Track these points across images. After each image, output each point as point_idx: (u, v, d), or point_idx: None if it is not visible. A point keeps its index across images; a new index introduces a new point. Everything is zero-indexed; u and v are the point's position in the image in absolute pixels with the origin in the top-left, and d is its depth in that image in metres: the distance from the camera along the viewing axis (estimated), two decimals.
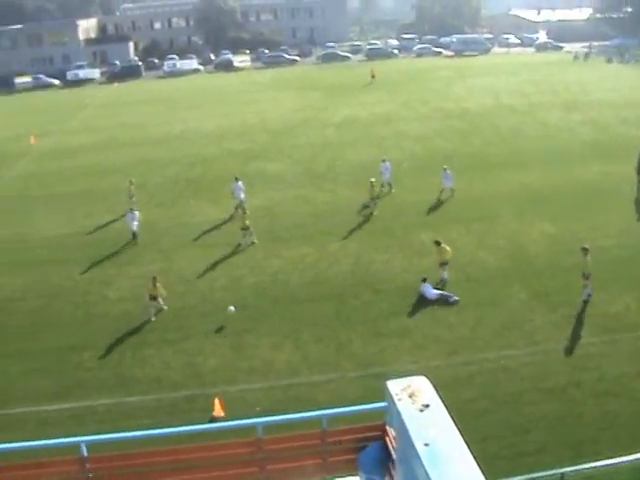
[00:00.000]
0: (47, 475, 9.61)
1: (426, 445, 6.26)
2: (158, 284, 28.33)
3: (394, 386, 7.34)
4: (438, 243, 30.07)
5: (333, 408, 8.53)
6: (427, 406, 6.90)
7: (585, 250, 27.62)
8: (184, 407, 22.33)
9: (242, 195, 39.67)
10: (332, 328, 26.59)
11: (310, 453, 9.32)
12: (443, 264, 29.75)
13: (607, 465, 16.17)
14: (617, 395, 21.72)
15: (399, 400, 7.06)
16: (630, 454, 16.57)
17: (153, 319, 27.93)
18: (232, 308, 27.39)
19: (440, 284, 29.34)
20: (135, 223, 36.24)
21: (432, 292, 28.37)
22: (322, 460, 9.18)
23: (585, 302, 27.52)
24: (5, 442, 18.92)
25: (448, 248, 29.89)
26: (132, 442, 9.00)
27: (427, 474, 5.90)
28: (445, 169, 40.59)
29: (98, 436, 9.39)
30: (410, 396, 7.09)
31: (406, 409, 6.89)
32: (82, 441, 9.22)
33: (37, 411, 22.67)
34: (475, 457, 5.92)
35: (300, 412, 8.72)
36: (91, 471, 9.28)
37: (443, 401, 6.78)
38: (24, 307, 30.54)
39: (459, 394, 22.03)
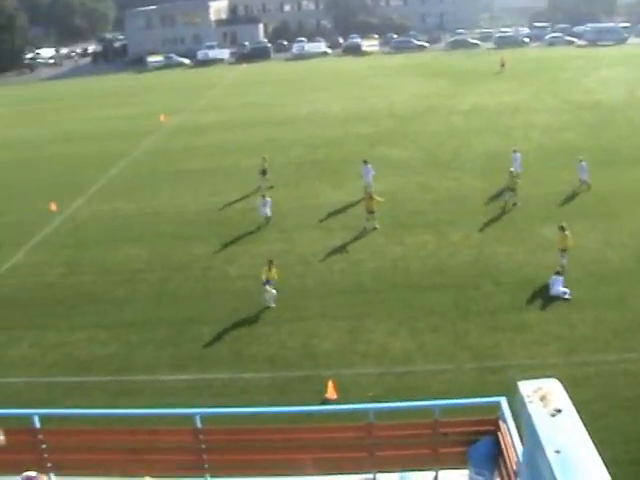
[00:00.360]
0: (162, 443, 9.89)
1: (557, 452, 6.07)
2: (274, 268, 28.28)
3: (525, 387, 7.19)
4: (563, 229, 29.58)
5: (446, 399, 8.46)
6: (559, 411, 6.72)
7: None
8: (297, 387, 22.55)
9: (369, 179, 39.67)
10: (450, 318, 26.34)
11: (420, 443, 9.28)
12: (563, 251, 29.31)
13: None
14: None
15: (530, 402, 6.91)
16: None
17: (273, 305, 27.96)
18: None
19: (560, 270, 28.62)
20: (267, 210, 36.57)
21: (559, 289, 27.67)
22: (432, 451, 9.13)
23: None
24: (123, 407, 19.64)
25: (570, 235, 29.34)
26: (244, 417, 9.13)
27: None
28: (580, 160, 39.51)
29: (213, 409, 9.56)
30: (541, 399, 6.92)
31: (537, 412, 6.74)
32: (197, 413, 9.44)
33: (155, 380, 23.40)
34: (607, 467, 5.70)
35: (412, 401, 8.67)
36: (205, 442, 9.50)
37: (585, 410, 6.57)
38: (149, 279, 31.53)
39: (574, 395, 21.26)
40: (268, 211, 36.49)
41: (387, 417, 8.97)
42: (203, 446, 9.50)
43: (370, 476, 9.32)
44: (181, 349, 25.40)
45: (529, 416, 6.69)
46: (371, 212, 34.77)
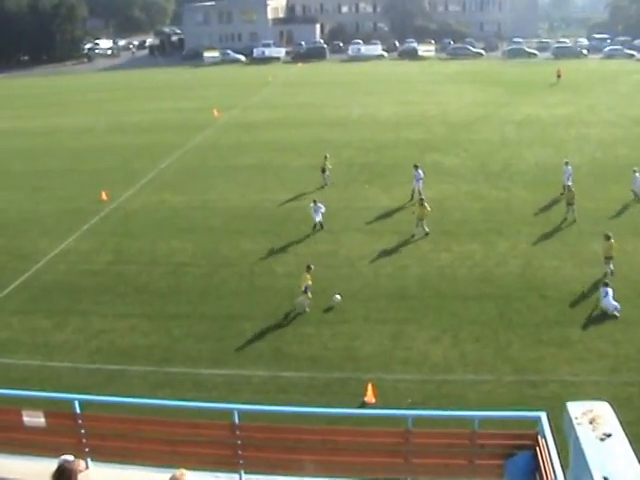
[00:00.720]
0: (199, 436, 9.96)
1: (605, 479, 5.96)
2: (308, 275, 27.88)
3: (574, 409, 7.07)
4: (608, 237, 29.68)
5: (484, 410, 8.42)
6: (609, 435, 6.59)
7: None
8: (337, 389, 22.58)
9: (420, 183, 39.59)
10: (493, 329, 26.16)
11: (457, 452, 9.25)
12: (608, 258, 29.48)
13: None
14: None
15: (579, 425, 6.79)
16: None
17: (308, 310, 27.86)
18: (338, 297, 27.47)
19: (607, 278, 28.59)
20: (318, 216, 35.89)
21: (610, 302, 27.30)
22: (468, 461, 9.09)
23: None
24: (162, 398, 19.79)
25: (615, 244, 29.53)
26: (282, 416, 9.17)
27: None
28: (635, 171, 39.04)
29: (251, 406, 9.61)
30: (591, 422, 6.80)
31: (586, 436, 6.62)
32: (235, 409, 9.50)
33: (195, 373, 23.58)
34: None
35: (450, 409, 8.65)
36: (241, 438, 9.55)
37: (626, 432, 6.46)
38: (194, 272, 31.76)
39: (616, 414, 21.20)
40: (318, 217, 35.96)
41: (425, 424, 8.93)
42: (239, 442, 9.56)
43: None
44: (222, 344, 25.56)
45: (577, 439, 6.57)
46: (421, 219, 34.62)
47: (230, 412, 9.50)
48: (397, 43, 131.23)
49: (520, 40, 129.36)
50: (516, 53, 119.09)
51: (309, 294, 27.74)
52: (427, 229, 34.77)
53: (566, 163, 41.36)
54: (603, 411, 6.95)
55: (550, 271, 30.66)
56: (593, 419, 6.74)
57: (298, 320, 27.01)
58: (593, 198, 40.42)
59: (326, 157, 44.20)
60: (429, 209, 34.83)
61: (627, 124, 62.08)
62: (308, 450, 9.53)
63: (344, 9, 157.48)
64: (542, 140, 54.87)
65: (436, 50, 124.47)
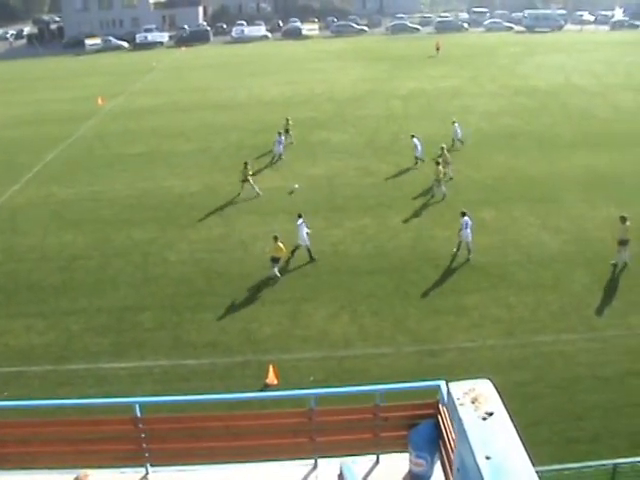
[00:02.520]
0: (102, 433, 9.76)
1: (487, 458, 5.97)
2: (279, 243, 28.25)
3: (456, 389, 7.07)
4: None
5: (386, 382, 8.49)
6: (491, 414, 6.62)
7: (623, 218, 28.58)
8: (238, 373, 22.50)
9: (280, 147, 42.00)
10: (389, 302, 26.51)
11: (362, 427, 9.29)
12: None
13: None
14: None
15: (461, 405, 6.80)
16: None
17: (278, 275, 28.46)
18: (296, 186, 27.53)
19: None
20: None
21: (467, 232, 29.12)
22: (373, 435, 9.15)
23: (614, 266, 28.39)
24: (64, 397, 19.34)
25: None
26: (185, 405, 9.05)
27: None
28: (454, 122, 42.98)
29: (152, 398, 9.44)
30: (473, 402, 6.80)
31: (468, 416, 6.62)
32: (136, 402, 9.33)
33: (96, 368, 23.11)
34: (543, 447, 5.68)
35: (353, 385, 8.67)
36: (145, 432, 9.39)
37: (507, 409, 6.53)
38: (87, 265, 31.04)
39: (513, 376, 21.86)
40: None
41: (328, 402, 8.95)
42: (143, 435, 9.40)
43: (311, 461, 9.32)
44: (121, 336, 25.10)
45: (460, 420, 6.60)
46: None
47: (132, 405, 9.33)
48: (281, 23, 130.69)
49: (403, 16, 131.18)
50: (399, 29, 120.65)
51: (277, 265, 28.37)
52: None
53: (453, 122, 44.49)
54: (485, 389, 6.96)
55: (442, 241, 31.21)
56: (475, 398, 6.75)
57: (195, 307, 26.76)
58: (480, 167, 41.46)
59: (287, 119, 48.25)
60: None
61: (508, 94, 63.71)
62: (213, 437, 9.44)
63: None
64: (428, 113, 55.76)
65: (320, 28, 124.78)
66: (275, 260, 28.44)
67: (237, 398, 10.18)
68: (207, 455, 9.48)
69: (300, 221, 30.14)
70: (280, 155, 44.42)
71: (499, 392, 6.65)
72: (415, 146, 41.53)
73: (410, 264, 29.46)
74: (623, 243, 28.58)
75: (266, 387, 21.23)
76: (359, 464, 9.12)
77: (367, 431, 9.29)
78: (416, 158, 41.50)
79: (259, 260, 30.21)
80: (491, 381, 6.89)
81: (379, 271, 28.96)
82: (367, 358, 23.03)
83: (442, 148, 39.24)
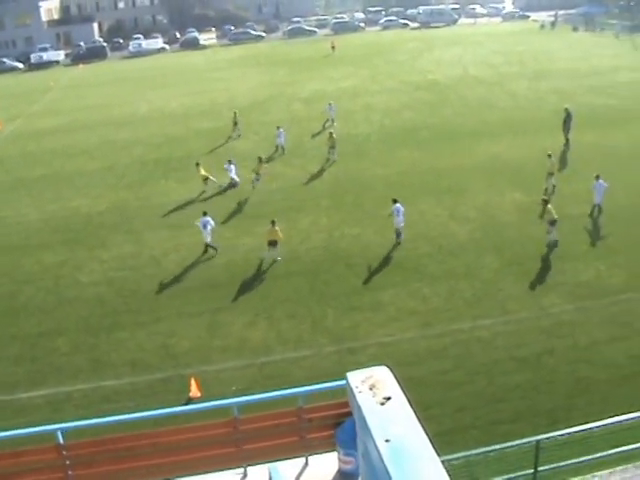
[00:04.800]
0: (25, 464, 9.54)
1: (387, 441, 6.06)
2: (277, 228, 29.66)
3: (354, 378, 7.14)
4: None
5: (309, 384, 8.51)
6: (389, 399, 6.72)
7: (545, 201, 30.49)
8: (160, 389, 22.24)
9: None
10: (306, 304, 26.62)
11: (287, 431, 9.31)
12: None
13: (580, 431, 16.33)
14: (590, 362, 21.95)
15: (359, 393, 6.87)
16: (602, 419, 16.76)
17: (279, 258, 29.99)
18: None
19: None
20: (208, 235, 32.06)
21: (400, 218, 30.14)
22: (300, 438, 9.18)
23: (549, 247, 29.36)
24: None
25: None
26: (109, 427, 8.93)
27: (387, 472, 5.75)
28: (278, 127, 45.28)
29: (74, 423, 9.29)
30: (371, 388, 6.88)
31: (366, 402, 6.70)
32: (58, 429, 9.15)
33: (12, 399, 22.48)
34: (441, 447, 5.79)
35: (276, 390, 8.69)
36: (69, 458, 9.22)
37: (405, 392, 6.65)
38: None
39: (433, 366, 22.24)
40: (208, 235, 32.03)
41: (252, 409, 8.96)
42: (67, 462, 9.24)
43: (241, 470, 9.30)
44: (37, 364, 24.50)
45: (359, 407, 6.69)
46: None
47: (54, 433, 9.15)
48: (178, 34, 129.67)
49: (299, 19, 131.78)
50: (296, 32, 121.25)
51: (274, 248, 29.81)
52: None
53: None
54: (382, 375, 7.07)
55: (352, 239, 31.52)
56: (373, 385, 6.85)
57: (111, 327, 26.34)
58: (385, 163, 41.98)
59: (235, 113, 52.16)
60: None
61: (409, 89, 64.69)
62: (140, 456, 9.33)
63: (121, 5, 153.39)
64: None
65: (217, 37, 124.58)
66: (272, 244, 29.74)
67: (161, 414, 10.08)
68: (135, 475, 9.36)
69: (206, 218, 31.42)
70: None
71: (396, 377, 6.78)
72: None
73: (323, 265, 29.65)
74: (552, 223, 29.63)
75: (190, 401, 21.06)
76: (288, 467, 9.15)
77: (293, 434, 9.30)
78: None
79: (172, 274, 29.99)
80: (388, 367, 7.02)
81: (293, 274, 29.06)
82: (288, 362, 23.08)
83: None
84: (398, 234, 30.84)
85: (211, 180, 39.13)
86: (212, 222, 31.70)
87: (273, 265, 29.95)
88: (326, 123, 52.75)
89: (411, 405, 6.33)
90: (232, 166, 40.31)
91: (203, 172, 39.30)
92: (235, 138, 51.05)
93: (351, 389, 6.93)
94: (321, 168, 42.03)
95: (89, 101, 74.52)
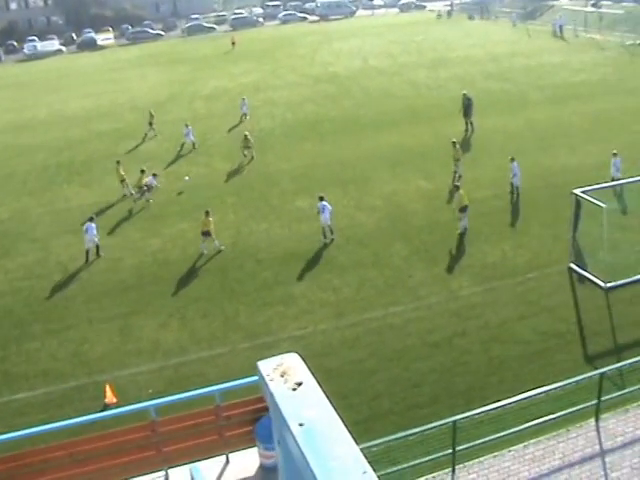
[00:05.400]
0: None
1: (300, 425, 6.16)
2: (210, 218, 30.10)
3: (265, 366, 7.20)
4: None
5: (225, 382, 8.52)
6: (300, 384, 6.81)
7: (456, 187, 31.42)
8: (75, 397, 21.86)
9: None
10: (217, 302, 26.54)
11: (206, 430, 9.30)
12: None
13: (495, 408, 16.79)
14: (501, 340, 22.55)
15: (271, 381, 6.94)
16: (515, 395, 17.27)
17: (223, 247, 30.46)
18: (187, 178, 27.37)
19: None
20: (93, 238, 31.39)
21: (326, 216, 30.16)
22: (219, 436, 9.18)
23: (461, 235, 30.03)
24: None
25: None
26: (25, 440, 8.77)
27: (303, 454, 5.83)
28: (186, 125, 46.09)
29: None
30: (282, 375, 6.95)
31: (278, 389, 6.77)
32: None
33: None
34: (351, 433, 5.90)
35: (192, 390, 8.68)
36: None
37: (317, 378, 6.75)
38: None
39: (348, 355, 22.46)
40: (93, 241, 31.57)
41: (170, 411, 8.93)
42: None
43: (162, 473, 9.25)
44: None
45: (271, 394, 6.77)
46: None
47: None
48: (74, 35, 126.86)
49: (197, 16, 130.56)
50: (195, 29, 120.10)
51: (213, 236, 30.16)
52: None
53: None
54: (292, 362, 7.17)
55: (261, 235, 31.54)
56: (284, 372, 6.94)
57: (20, 337, 25.72)
58: (289, 157, 42.13)
59: (150, 112, 51.40)
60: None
61: (310, 83, 64.97)
62: (57, 468, 9.18)
63: (13, 6, 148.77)
64: (232, 110, 55.82)
65: (115, 37, 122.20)
66: (205, 234, 30.05)
67: (76, 423, 9.94)
68: None
69: (90, 224, 31.13)
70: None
71: (306, 363, 6.88)
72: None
73: (233, 261, 29.59)
74: (463, 210, 30.24)
75: (106, 407, 20.77)
76: (209, 466, 9.14)
77: (212, 433, 9.30)
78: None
79: (80, 280, 29.49)
80: (298, 354, 7.11)
81: (203, 273, 28.94)
82: (203, 361, 23.00)
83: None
84: (325, 233, 30.58)
85: (126, 182, 38.39)
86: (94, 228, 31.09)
87: (181, 265, 29.75)
88: (242, 118, 52.75)
89: (322, 389, 6.43)
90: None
91: (122, 172, 38.41)
92: (151, 138, 50.22)
93: (263, 377, 6.98)
94: (226, 165, 41.81)
95: None
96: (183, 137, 47.11)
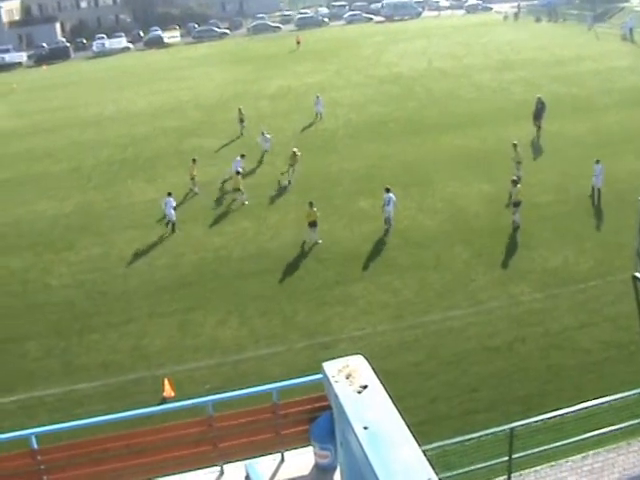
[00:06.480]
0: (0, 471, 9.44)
1: (365, 428, 6.12)
2: (315, 209, 30.87)
3: (330, 367, 7.18)
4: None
5: (282, 381, 8.51)
6: (365, 387, 6.76)
7: (514, 182, 31.27)
8: (134, 390, 22.13)
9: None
10: (277, 300, 26.61)
11: (262, 427, 9.30)
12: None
13: (553, 417, 16.50)
14: (560, 348, 22.21)
15: (336, 382, 6.91)
16: (574, 404, 16.94)
17: (320, 241, 30.90)
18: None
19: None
20: (172, 211, 33.94)
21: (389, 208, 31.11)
22: (275, 434, 9.18)
23: (514, 229, 30.39)
24: None
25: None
26: (84, 430, 8.87)
27: (367, 458, 5.79)
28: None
29: (47, 427, 9.20)
30: (347, 377, 6.92)
31: (343, 391, 6.74)
32: (31, 433, 9.07)
33: None
34: (416, 438, 5.84)
35: (249, 387, 8.68)
36: (44, 463, 9.14)
37: (381, 381, 6.70)
38: None
39: (406, 358, 22.33)
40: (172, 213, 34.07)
41: (227, 407, 8.95)
42: (42, 467, 9.16)
43: (217, 469, 9.28)
44: (7, 369, 24.24)
45: (336, 396, 6.73)
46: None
47: (27, 438, 9.07)
48: (142, 33, 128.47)
49: (263, 15, 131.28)
50: (261, 29, 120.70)
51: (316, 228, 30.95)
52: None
53: (317, 97, 48.22)
54: (358, 364, 7.12)
55: (322, 234, 31.43)
56: (349, 374, 6.90)
57: (82, 329, 26.14)
58: (352, 158, 42.03)
59: (240, 110, 51.03)
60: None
61: (374, 83, 64.81)
62: (115, 458, 9.27)
63: (83, 4, 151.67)
64: (296, 110, 56.11)
65: (182, 35, 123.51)
66: (312, 224, 30.68)
67: (135, 415, 10.03)
68: (111, 477, 9.31)
69: (169, 198, 33.76)
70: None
71: (372, 366, 6.83)
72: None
73: (293, 261, 29.64)
74: (516, 204, 30.50)
75: (164, 401, 20.97)
76: (265, 464, 9.15)
77: (268, 430, 9.30)
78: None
79: (141, 275, 29.85)
80: (363, 356, 7.06)
81: (263, 272, 29.02)
82: (261, 359, 23.08)
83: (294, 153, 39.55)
84: (387, 221, 31.57)
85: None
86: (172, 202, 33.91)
87: (242, 263, 29.93)
88: (316, 117, 53.06)
89: (387, 392, 6.38)
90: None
91: (194, 171, 38.83)
92: (240, 136, 50.07)
93: (327, 379, 6.96)
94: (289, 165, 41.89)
95: (53, 102, 73.80)
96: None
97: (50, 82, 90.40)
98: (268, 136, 44.62)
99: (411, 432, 6.06)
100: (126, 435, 9.27)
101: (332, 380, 6.90)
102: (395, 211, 31.79)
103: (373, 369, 6.78)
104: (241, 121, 50.71)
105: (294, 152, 39.03)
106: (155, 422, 9.09)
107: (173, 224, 33.82)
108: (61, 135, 57.11)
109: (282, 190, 37.86)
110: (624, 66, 64.18)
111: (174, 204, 34.08)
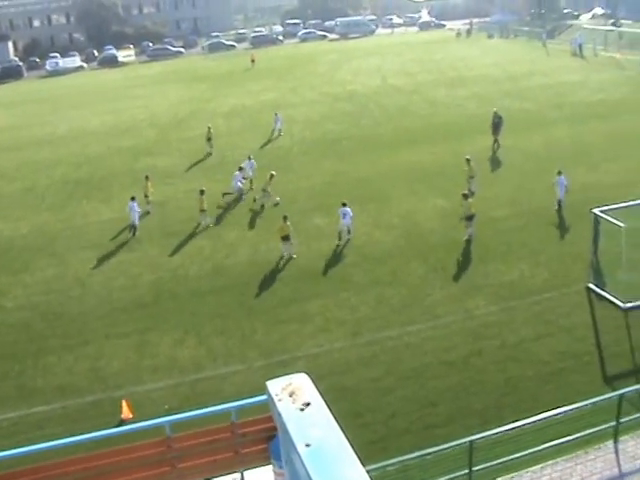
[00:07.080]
0: None
1: (307, 446, 6.15)
2: (288, 223, 30.84)
3: (274, 386, 7.21)
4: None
5: (240, 400, 8.52)
6: (308, 404, 6.81)
7: (465, 195, 31.71)
8: (92, 413, 21.87)
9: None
10: (234, 319, 26.55)
11: (222, 447, 9.29)
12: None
13: (512, 429, 16.69)
14: (517, 360, 22.44)
15: (279, 400, 6.94)
16: (532, 416, 17.15)
17: (294, 256, 31.05)
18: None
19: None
20: (136, 214, 35.67)
21: (347, 221, 31.76)
22: (234, 453, 9.17)
23: (467, 242, 30.79)
24: None
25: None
26: (41, 454, 8.79)
27: (309, 475, 5.84)
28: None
29: (2, 452, 9.11)
30: (290, 395, 6.96)
31: (286, 409, 6.78)
32: None
33: None
34: (358, 455, 5.89)
35: (208, 407, 8.68)
36: None
37: (325, 398, 6.75)
38: None
39: (365, 374, 22.40)
40: (136, 216, 35.59)
41: (185, 427, 8.94)
42: None
43: None
44: None
45: (279, 414, 6.77)
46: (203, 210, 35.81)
47: None
48: (96, 52, 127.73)
49: (218, 34, 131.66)
50: (215, 47, 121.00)
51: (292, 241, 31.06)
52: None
53: (276, 114, 49.65)
54: (301, 382, 7.15)
55: (279, 252, 31.47)
56: (292, 392, 6.93)
57: (38, 352, 25.79)
58: (307, 175, 42.18)
59: (209, 128, 50.54)
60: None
61: (329, 101, 65.16)
62: None
63: (36, 23, 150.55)
64: (251, 128, 56.23)
65: (136, 54, 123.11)
66: (285, 238, 30.76)
67: (93, 438, 9.98)
68: None
69: (132, 203, 35.18)
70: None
71: (315, 383, 6.87)
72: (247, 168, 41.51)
73: (250, 278, 29.60)
74: (469, 218, 30.87)
75: (122, 422, 20.78)
76: None
77: (228, 450, 9.28)
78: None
79: (97, 296, 29.60)
80: (307, 374, 7.11)
81: (220, 290, 28.96)
82: (219, 378, 22.99)
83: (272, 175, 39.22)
84: (340, 235, 32.11)
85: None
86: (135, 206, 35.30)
87: (199, 282, 29.84)
88: (274, 133, 53.52)
89: (330, 410, 6.42)
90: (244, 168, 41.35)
91: (150, 187, 38.89)
92: (209, 155, 49.67)
93: (271, 397, 6.98)
94: (245, 182, 41.87)
95: (5, 122, 72.93)
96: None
97: (2, 101, 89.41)
98: (253, 162, 42.84)
99: (369, 450, 6.12)
100: (85, 458, 9.20)
101: (275, 398, 6.93)
102: (353, 224, 32.05)
103: (317, 387, 6.82)
104: (208, 139, 50.17)
105: (272, 174, 38.54)
106: (113, 444, 9.05)
107: (135, 228, 35.10)
108: (14, 155, 56.49)
109: (238, 209, 37.79)
110: (574, 81, 65.41)
111: (138, 209, 35.40)
